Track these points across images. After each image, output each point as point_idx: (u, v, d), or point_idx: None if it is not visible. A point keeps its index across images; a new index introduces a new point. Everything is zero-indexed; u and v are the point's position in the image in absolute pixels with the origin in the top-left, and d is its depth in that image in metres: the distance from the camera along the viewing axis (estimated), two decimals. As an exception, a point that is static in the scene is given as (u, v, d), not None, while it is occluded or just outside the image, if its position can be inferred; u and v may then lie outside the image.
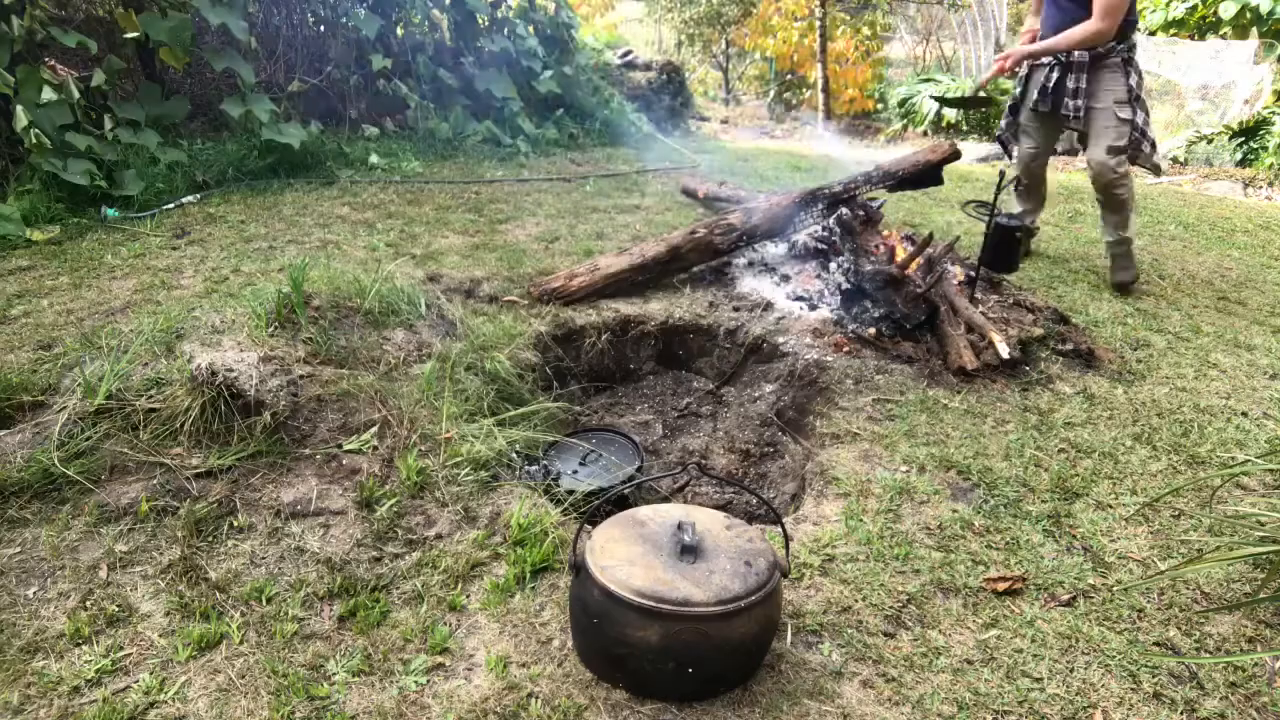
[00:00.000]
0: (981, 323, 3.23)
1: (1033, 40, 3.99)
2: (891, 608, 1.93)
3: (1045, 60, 3.92)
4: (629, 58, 9.86)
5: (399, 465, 2.28)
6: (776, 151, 8.40)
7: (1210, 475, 2.55)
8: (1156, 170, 4.12)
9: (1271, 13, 9.43)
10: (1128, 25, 3.69)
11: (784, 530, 1.79)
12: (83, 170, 4.25)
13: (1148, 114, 3.88)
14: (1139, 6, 14.06)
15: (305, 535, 2.05)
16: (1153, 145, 3.90)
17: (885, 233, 4.02)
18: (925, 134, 10.62)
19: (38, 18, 4.27)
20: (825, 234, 4.05)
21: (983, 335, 3.17)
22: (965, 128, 10.44)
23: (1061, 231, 5.39)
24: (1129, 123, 3.82)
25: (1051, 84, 3.93)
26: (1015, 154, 4.35)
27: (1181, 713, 1.69)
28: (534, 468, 2.52)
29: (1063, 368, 3.21)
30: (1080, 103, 3.86)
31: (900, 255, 3.56)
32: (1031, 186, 4.44)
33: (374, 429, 2.40)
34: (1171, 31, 12.21)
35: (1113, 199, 4.05)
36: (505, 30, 7.22)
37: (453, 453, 2.35)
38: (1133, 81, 3.77)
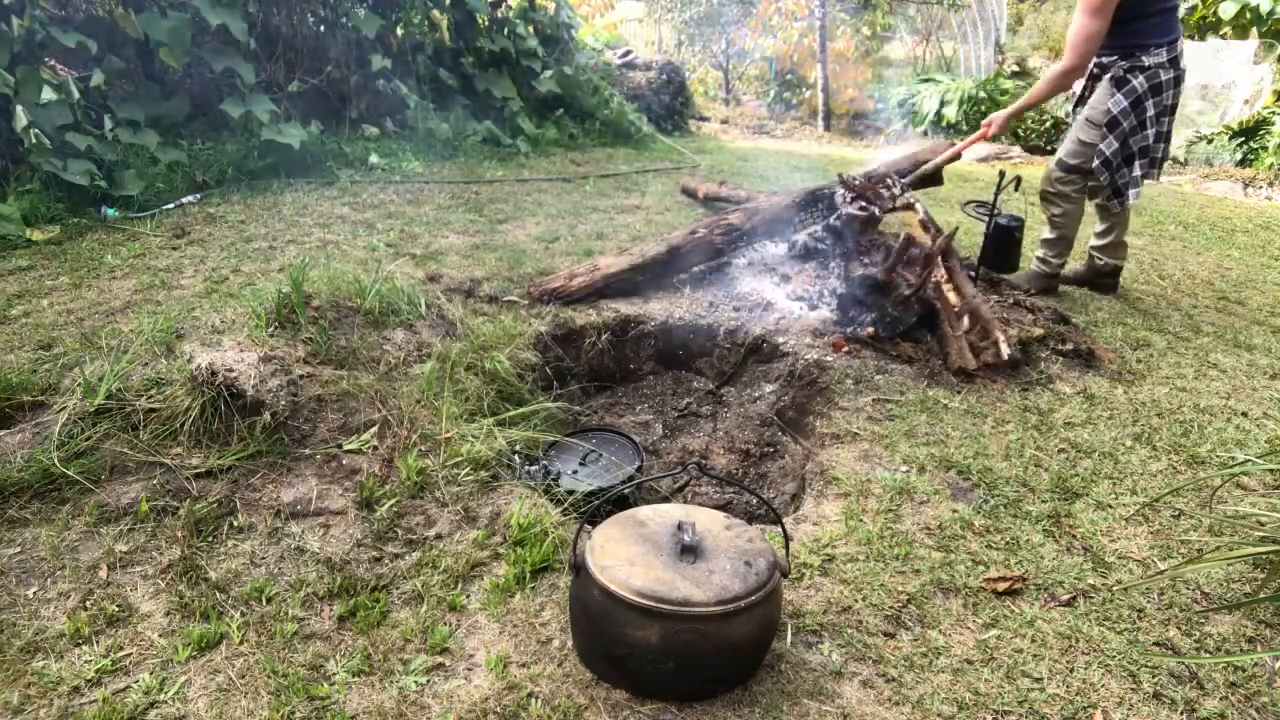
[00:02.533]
0: (986, 315, 3.22)
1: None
2: (891, 608, 1.93)
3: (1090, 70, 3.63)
4: (629, 58, 9.86)
5: (399, 465, 2.28)
6: (776, 151, 8.40)
7: (1210, 475, 2.55)
8: (1116, 198, 3.74)
9: (1271, 13, 9.43)
10: (1130, 38, 3.38)
11: (784, 530, 1.79)
12: (83, 170, 4.25)
13: (1129, 148, 3.54)
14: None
15: (305, 535, 2.05)
16: (1115, 178, 3.60)
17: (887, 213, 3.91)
18: (925, 134, 10.62)
19: (38, 18, 4.27)
20: (820, 237, 4.05)
21: (985, 331, 3.17)
22: (965, 128, 10.44)
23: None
24: (1090, 146, 3.59)
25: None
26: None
27: (1181, 713, 1.69)
28: (534, 468, 2.52)
29: (1063, 368, 3.21)
30: (1085, 89, 3.69)
31: (920, 235, 3.52)
32: (1097, 204, 4.00)
33: (374, 429, 2.40)
34: (1171, 31, 12.19)
35: (1046, 210, 3.90)
36: (505, 30, 7.22)
37: (453, 453, 2.35)
38: (1115, 105, 3.47)
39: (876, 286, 3.34)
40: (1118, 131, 3.51)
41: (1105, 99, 3.51)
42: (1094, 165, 3.60)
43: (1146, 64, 3.41)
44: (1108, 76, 3.52)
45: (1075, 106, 3.80)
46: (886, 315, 3.32)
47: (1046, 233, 3.95)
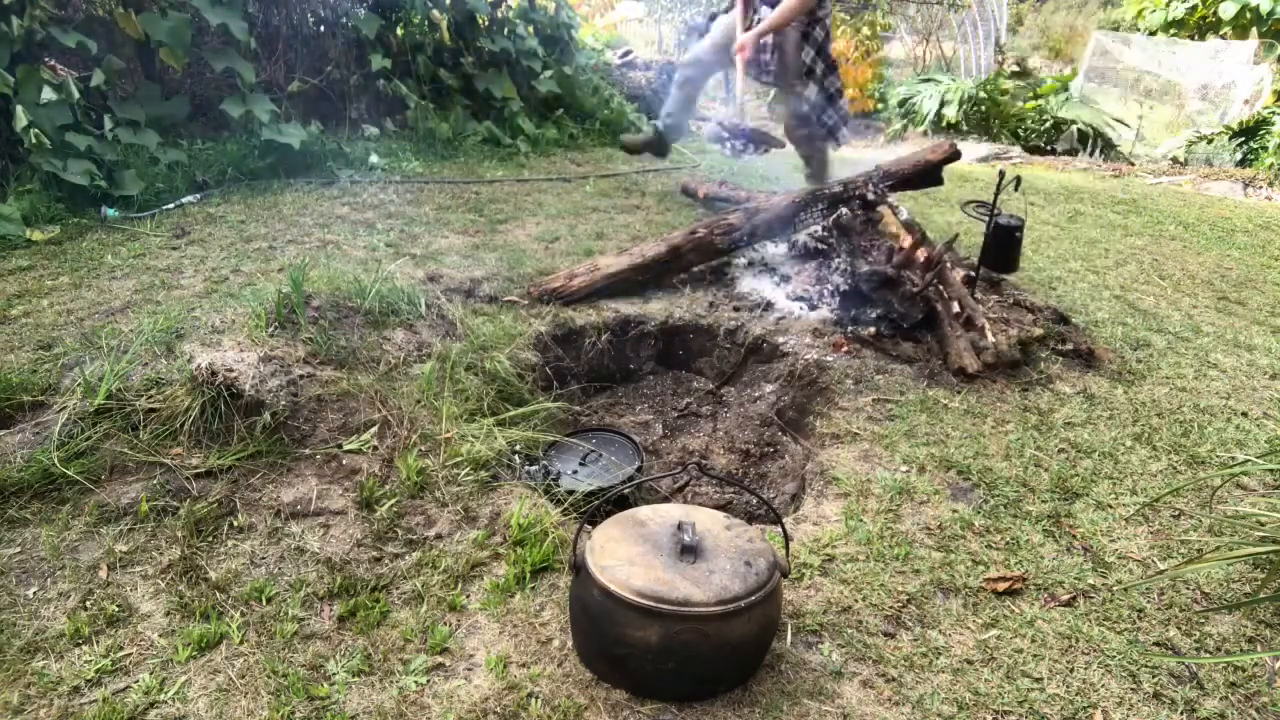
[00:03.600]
0: (971, 305, 3.25)
1: (745, 5, 4.35)
2: (891, 608, 1.93)
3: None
4: (629, 58, 9.85)
5: (399, 465, 2.28)
6: (776, 151, 8.38)
7: (1210, 475, 2.55)
8: (831, 138, 4.52)
9: (1271, 13, 9.44)
10: None
11: (784, 530, 1.79)
12: (83, 170, 4.25)
13: (824, 85, 4.25)
14: (1141, 6, 14.13)
15: (305, 535, 2.05)
16: (824, 119, 4.32)
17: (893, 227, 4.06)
18: (925, 134, 10.62)
19: (38, 18, 4.26)
20: (824, 234, 4.05)
21: (970, 319, 3.19)
22: (965, 128, 10.44)
23: (1062, 231, 5.39)
24: (804, 98, 4.25)
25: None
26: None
27: (1181, 713, 1.69)
28: (534, 468, 2.52)
29: (1063, 368, 3.21)
30: (769, 58, 4.25)
31: (906, 240, 3.58)
32: (686, 93, 4.78)
33: (374, 429, 2.40)
34: (1171, 31, 12.23)
35: (803, 154, 4.67)
36: (505, 30, 7.21)
37: (453, 453, 2.35)
38: (808, 57, 4.12)
39: (885, 281, 3.35)
40: (814, 78, 4.22)
41: (795, 54, 4.19)
42: (804, 110, 4.31)
43: (820, 15, 4.16)
44: (790, 30, 4.14)
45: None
46: (893, 310, 3.33)
47: (808, 170, 4.77)
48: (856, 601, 1.94)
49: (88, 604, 1.82)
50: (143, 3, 4.86)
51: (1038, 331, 3.39)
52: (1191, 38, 11.74)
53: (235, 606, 1.84)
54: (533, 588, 1.93)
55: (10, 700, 1.58)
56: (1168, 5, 12.26)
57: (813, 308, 3.59)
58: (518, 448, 2.54)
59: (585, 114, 7.70)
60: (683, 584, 1.57)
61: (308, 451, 2.31)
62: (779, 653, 1.77)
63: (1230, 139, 8.55)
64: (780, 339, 3.33)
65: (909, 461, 2.53)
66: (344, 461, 2.30)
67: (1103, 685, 1.74)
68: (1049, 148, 10.05)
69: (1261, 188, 7.58)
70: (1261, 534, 2.19)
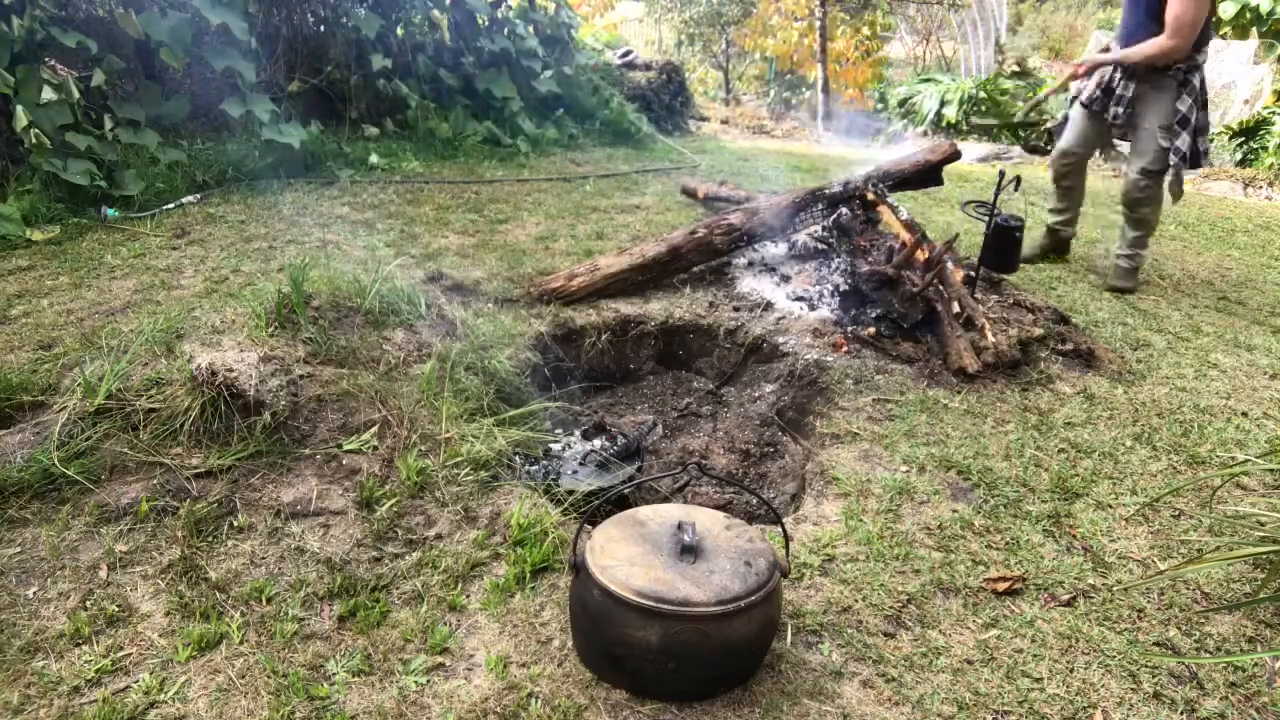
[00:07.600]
0: (971, 305, 3.26)
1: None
2: (891, 608, 1.93)
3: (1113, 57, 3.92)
4: (629, 58, 9.86)
5: (399, 465, 2.28)
6: (776, 151, 8.40)
7: (1210, 475, 2.55)
8: (1175, 195, 3.98)
9: (1271, 13, 9.44)
10: (1198, 42, 3.63)
11: (784, 530, 1.79)
12: (83, 170, 4.25)
13: (1196, 136, 3.78)
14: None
15: (305, 535, 2.05)
16: (1179, 169, 3.85)
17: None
18: (925, 133, 10.62)
19: (38, 18, 4.26)
20: (825, 234, 4.06)
21: (971, 319, 3.20)
22: (965, 128, 10.43)
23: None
24: (1169, 149, 3.80)
25: (1105, 82, 3.96)
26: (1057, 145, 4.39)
27: (1181, 713, 1.69)
28: (534, 468, 2.52)
29: (1063, 368, 3.21)
30: (1123, 110, 3.88)
31: (906, 238, 3.58)
32: (1065, 186, 4.41)
33: (374, 429, 2.40)
34: (1171, 31, 12.18)
35: (1135, 216, 4.10)
36: (505, 30, 7.22)
37: (453, 453, 2.35)
38: (1184, 105, 3.72)
39: (885, 281, 3.36)
40: (1188, 126, 3.76)
41: (1168, 101, 3.77)
42: (1173, 161, 3.82)
43: (1198, 63, 3.72)
44: (1166, 78, 3.75)
45: (1096, 96, 4.01)
46: (893, 310, 3.33)
47: (1131, 233, 4.16)
48: (856, 601, 1.94)
49: (88, 604, 1.82)
50: (143, 3, 4.85)
51: (1038, 331, 3.39)
52: (1191, 38, 11.72)
53: (235, 606, 1.84)
54: (533, 588, 1.93)
55: (10, 700, 1.58)
56: (1168, 5, 12.23)
57: (813, 308, 3.59)
58: (518, 448, 2.54)
59: (585, 114, 7.71)
60: (683, 584, 1.57)
61: (308, 451, 2.31)
62: (779, 653, 1.77)
63: (1230, 139, 8.54)
64: (780, 339, 3.33)
65: (909, 461, 2.53)
66: (344, 461, 2.30)
67: (1103, 685, 1.74)
68: (1049, 148, 10.05)
69: (1261, 188, 7.57)
70: (1261, 534, 2.19)
